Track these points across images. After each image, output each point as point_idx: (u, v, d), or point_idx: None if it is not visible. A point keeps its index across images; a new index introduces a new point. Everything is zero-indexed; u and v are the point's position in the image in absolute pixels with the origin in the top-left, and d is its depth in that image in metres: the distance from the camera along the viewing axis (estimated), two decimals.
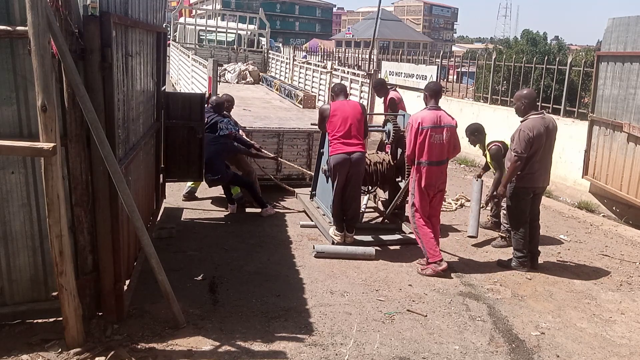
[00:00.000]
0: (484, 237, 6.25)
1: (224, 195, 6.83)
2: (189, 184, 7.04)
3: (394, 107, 7.38)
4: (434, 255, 5.05)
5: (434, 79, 13.15)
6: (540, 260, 5.46)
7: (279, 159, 7.32)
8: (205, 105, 6.29)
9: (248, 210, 6.74)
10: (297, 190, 7.19)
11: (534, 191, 5.22)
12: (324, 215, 6.12)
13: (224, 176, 6.46)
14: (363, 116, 5.56)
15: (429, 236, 5.10)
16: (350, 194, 5.56)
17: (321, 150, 6.29)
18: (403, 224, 6.15)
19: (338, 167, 5.42)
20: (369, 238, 5.81)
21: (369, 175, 6.03)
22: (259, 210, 6.62)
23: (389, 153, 6.25)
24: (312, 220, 6.33)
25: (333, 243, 5.64)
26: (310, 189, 6.85)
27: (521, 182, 5.09)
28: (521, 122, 5.11)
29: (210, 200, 7.15)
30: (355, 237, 5.66)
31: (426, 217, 5.20)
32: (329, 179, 5.88)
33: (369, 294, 4.58)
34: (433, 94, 5.24)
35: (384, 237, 5.89)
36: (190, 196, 7.10)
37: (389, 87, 7.95)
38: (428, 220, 5.19)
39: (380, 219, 6.46)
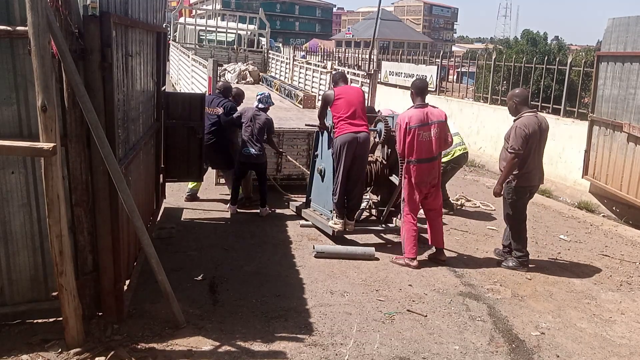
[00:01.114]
0: (484, 237, 6.27)
1: (224, 196, 6.80)
2: (190, 185, 7.01)
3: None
4: (410, 252, 5.19)
5: (434, 79, 13.18)
6: (540, 260, 5.45)
7: (284, 154, 7.32)
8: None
9: (247, 210, 6.73)
10: (291, 198, 7.08)
11: (530, 190, 5.25)
12: (322, 214, 6.11)
13: (264, 154, 6.48)
14: (364, 100, 5.76)
15: (412, 233, 5.22)
16: (355, 177, 5.60)
17: (315, 153, 6.30)
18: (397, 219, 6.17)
19: (345, 146, 5.45)
20: (367, 237, 5.83)
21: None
22: (257, 210, 6.62)
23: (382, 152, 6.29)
24: (310, 222, 6.31)
25: (333, 233, 5.65)
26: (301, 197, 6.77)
27: (519, 181, 5.10)
28: (514, 120, 5.13)
29: (211, 201, 7.14)
30: (353, 236, 5.64)
31: (416, 213, 5.30)
32: (326, 171, 5.88)
33: (369, 294, 4.58)
34: (419, 91, 5.27)
35: (383, 227, 6.09)
36: (192, 198, 7.08)
37: (376, 111, 7.86)
38: (416, 218, 5.30)
39: (375, 219, 6.46)
